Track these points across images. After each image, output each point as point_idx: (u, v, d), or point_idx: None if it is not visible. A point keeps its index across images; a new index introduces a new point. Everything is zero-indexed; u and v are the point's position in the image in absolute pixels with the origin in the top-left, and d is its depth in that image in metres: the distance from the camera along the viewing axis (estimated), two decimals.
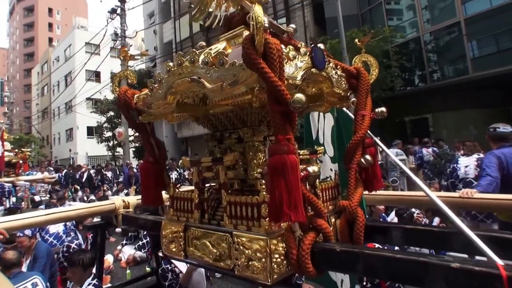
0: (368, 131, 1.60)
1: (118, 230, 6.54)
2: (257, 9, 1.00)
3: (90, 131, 29.18)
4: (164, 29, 20.61)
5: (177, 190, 1.63)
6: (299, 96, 1.01)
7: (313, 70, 1.31)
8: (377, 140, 1.67)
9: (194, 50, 1.26)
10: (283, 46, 1.29)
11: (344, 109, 1.98)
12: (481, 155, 3.79)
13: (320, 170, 2.36)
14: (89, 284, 2.42)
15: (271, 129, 1.52)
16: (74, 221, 4.23)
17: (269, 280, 1.15)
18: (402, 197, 1.92)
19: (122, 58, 1.65)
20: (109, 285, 3.42)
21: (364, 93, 1.64)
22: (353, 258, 1.08)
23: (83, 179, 10.70)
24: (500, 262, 0.94)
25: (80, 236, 3.84)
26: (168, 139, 19.54)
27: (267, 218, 1.21)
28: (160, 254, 3.36)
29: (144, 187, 1.72)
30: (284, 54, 1.11)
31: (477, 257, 1.22)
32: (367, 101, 1.65)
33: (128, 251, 4.83)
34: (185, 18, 17.77)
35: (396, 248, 2.14)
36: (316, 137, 2.39)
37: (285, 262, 1.20)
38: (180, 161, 1.57)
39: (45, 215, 2.09)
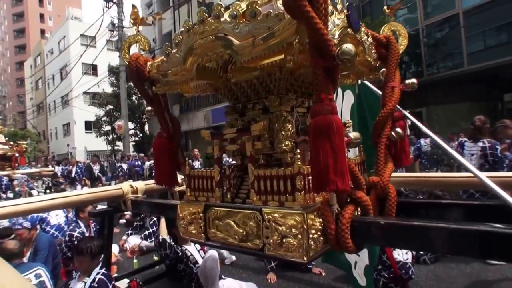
0: (397, 105, 1.48)
1: (122, 221, 6.40)
2: None
3: (88, 126, 28.70)
4: (163, 20, 20.17)
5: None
6: (348, 46, 0.88)
7: (349, 30, 1.17)
8: (407, 113, 1.54)
9: (219, 3, 1.11)
10: None
11: (367, 83, 1.86)
12: (486, 144, 3.67)
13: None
14: (97, 274, 2.27)
15: (298, 98, 1.39)
16: (75, 211, 4.07)
17: (305, 258, 1.03)
18: (447, 179, 1.77)
19: (132, 21, 1.49)
20: (116, 275, 3.28)
21: (394, 64, 1.51)
22: (402, 231, 0.95)
23: (72, 174, 10.40)
24: None
25: (82, 225, 3.67)
26: None
27: (303, 191, 1.08)
28: (169, 241, 3.19)
29: (157, 165, 1.58)
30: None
31: None
32: (396, 73, 1.53)
33: (133, 241, 4.68)
34: (184, 8, 17.38)
35: None
36: None
37: (321, 238, 1.07)
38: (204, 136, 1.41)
39: (50, 199, 1.93)
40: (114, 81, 18.66)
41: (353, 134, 1.09)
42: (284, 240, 1.07)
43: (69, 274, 3.31)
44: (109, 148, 20.80)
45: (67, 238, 3.53)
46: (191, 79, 1.32)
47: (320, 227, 1.07)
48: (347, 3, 1.24)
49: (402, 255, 2.82)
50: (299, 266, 3.23)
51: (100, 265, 2.35)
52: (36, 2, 45.93)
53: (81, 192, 2.11)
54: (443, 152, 7.67)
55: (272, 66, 1.12)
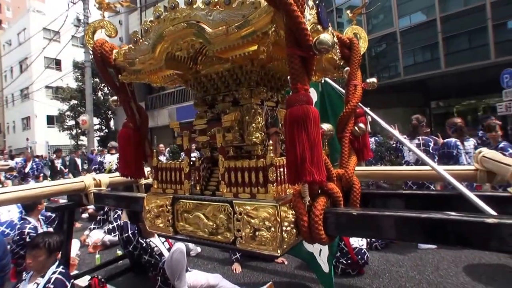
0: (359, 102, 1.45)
1: (85, 215, 5.84)
2: None
3: (51, 120, 26.07)
4: (130, 19, 18.94)
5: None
6: (326, 36, 0.79)
7: (319, 27, 1.10)
8: (368, 110, 1.52)
9: None
10: None
11: (330, 81, 1.82)
12: (420, 141, 3.83)
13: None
14: (54, 272, 1.93)
15: (269, 92, 1.29)
16: (23, 209, 3.57)
17: (279, 251, 0.94)
18: (407, 172, 1.80)
19: (97, 5, 1.27)
20: (76, 272, 2.91)
21: (356, 64, 1.48)
22: (373, 221, 0.90)
23: (26, 169, 9.30)
24: (494, 213, 0.86)
25: (32, 219, 3.19)
26: None
27: (275, 183, 0.99)
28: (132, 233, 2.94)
29: (123, 157, 1.39)
30: None
31: None
32: (358, 72, 1.50)
33: (96, 236, 4.25)
34: (152, 10, 16.49)
35: None
36: None
37: (294, 230, 0.99)
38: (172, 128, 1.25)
39: (2, 193, 1.62)
40: (79, 76, 17.14)
41: (326, 126, 1.02)
42: (256, 233, 0.97)
43: (19, 274, 2.83)
44: (73, 142, 19.09)
45: (17, 237, 3.05)
46: (160, 69, 1.16)
47: (292, 219, 0.98)
48: (317, 1, 1.16)
49: (358, 241, 2.87)
50: (263, 256, 3.15)
51: (57, 263, 2.03)
52: None
53: (39, 186, 1.81)
54: (386, 149, 8.14)
55: (244, 58, 1.01)
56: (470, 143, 3.55)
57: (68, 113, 18.09)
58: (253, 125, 1.17)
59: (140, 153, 1.38)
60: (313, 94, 2.04)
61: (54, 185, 1.82)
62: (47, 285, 1.83)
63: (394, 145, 5.13)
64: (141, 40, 1.17)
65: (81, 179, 1.98)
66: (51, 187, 1.78)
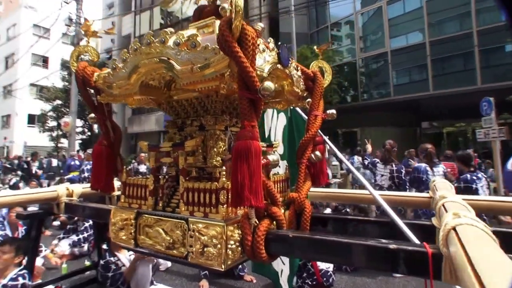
0: (319, 130, 1.62)
1: (56, 223, 5.81)
2: None
3: (32, 119, 25.65)
4: (123, 22, 19.17)
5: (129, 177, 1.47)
6: (269, 83, 0.97)
7: (278, 66, 1.28)
8: (326, 138, 1.70)
9: (165, 30, 1.14)
10: None
11: (298, 109, 2.00)
12: (394, 167, 3.97)
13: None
14: (16, 275, 2.01)
15: (233, 119, 1.46)
16: (3, 212, 3.62)
17: (223, 266, 1.08)
18: (342, 194, 1.99)
19: (83, 32, 1.43)
20: (40, 281, 2.93)
21: (318, 95, 1.66)
22: (305, 243, 1.06)
23: None
24: (416, 240, 1.02)
25: (8, 227, 3.24)
26: None
27: (225, 205, 1.14)
28: (104, 246, 3.03)
29: (94, 171, 1.52)
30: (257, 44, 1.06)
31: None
32: (320, 103, 1.68)
33: (65, 246, 4.28)
34: (146, 14, 16.77)
35: None
36: (268, 135, 2.38)
37: (239, 248, 1.13)
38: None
39: None
40: (66, 76, 17.11)
41: (272, 157, 1.18)
42: (205, 249, 1.11)
43: None
44: (52, 144, 18.82)
45: None
46: (135, 93, 1.31)
47: (238, 238, 1.13)
48: (279, 43, 1.35)
49: (324, 264, 3.01)
50: (232, 274, 3.25)
51: (21, 267, 2.10)
52: None
53: (12, 193, 1.90)
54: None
55: (208, 90, 1.18)
56: (440, 169, 3.77)
57: (50, 113, 17.89)
58: (215, 149, 1.33)
59: (111, 169, 1.52)
60: (282, 119, 2.22)
61: (27, 193, 1.93)
62: (8, 283, 1.90)
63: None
64: (119, 67, 1.33)
65: (54, 188, 2.09)
66: (24, 195, 1.88)
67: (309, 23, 16.40)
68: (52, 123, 18.31)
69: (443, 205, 1.12)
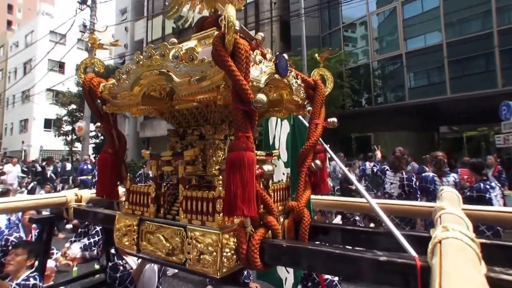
0: (320, 139, 1.65)
1: (69, 226, 6.02)
2: (230, 10, 1.00)
3: (48, 124, 26.68)
4: (136, 27, 19.73)
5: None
6: (261, 96, 1.01)
7: (276, 76, 1.33)
8: (327, 147, 1.72)
9: (165, 44, 1.21)
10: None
11: (300, 117, 2.03)
12: (404, 175, 3.87)
13: (274, 173, 2.40)
14: (28, 277, 2.13)
15: (232, 128, 1.51)
16: (19, 214, 3.80)
17: (218, 274, 1.12)
18: (344, 203, 2.00)
19: (90, 44, 1.53)
20: (52, 283, 3.07)
21: (319, 104, 1.68)
22: (298, 253, 1.09)
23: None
24: (415, 255, 1.03)
25: (22, 230, 3.41)
26: (129, 138, 18.55)
27: (221, 213, 1.18)
28: (112, 251, 3.14)
29: (100, 178, 1.60)
30: (251, 57, 1.11)
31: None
32: (321, 111, 1.70)
33: (76, 249, 4.44)
34: (158, 19, 17.20)
35: None
36: (272, 142, 2.42)
37: (235, 256, 1.17)
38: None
39: None
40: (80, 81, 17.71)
41: (267, 167, 1.22)
42: (201, 256, 1.16)
43: (3, 280, 3.05)
44: (67, 148, 19.46)
45: (3, 243, 3.27)
46: (138, 104, 1.39)
47: (234, 247, 1.17)
48: (277, 53, 1.40)
49: None
50: (237, 281, 3.28)
51: (33, 269, 2.22)
52: None
53: (22, 198, 2.02)
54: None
55: (207, 100, 1.23)
56: (450, 178, 3.64)
57: (65, 118, 18.52)
58: (214, 158, 1.38)
59: (115, 176, 1.59)
60: (286, 126, 2.26)
61: (37, 199, 2.03)
62: (21, 283, 2.01)
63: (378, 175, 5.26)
64: (123, 78, 1.41)
65: (63, 193, 2.19)
66: (34, 200, 1.99)
67: (321, 25, 16.36)
68: (67, 128, 18.96)
69: (439, 217, 1.13)
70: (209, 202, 1.20)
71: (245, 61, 1.04)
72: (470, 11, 12.05)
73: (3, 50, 34.33)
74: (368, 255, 0.95)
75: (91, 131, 14.67)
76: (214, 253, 1.12)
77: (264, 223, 1.19)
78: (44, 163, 11.29)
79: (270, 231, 1.21)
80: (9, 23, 41.42)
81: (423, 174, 3.82)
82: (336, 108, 12.17)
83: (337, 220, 4.42)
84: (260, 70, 1.26)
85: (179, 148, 1.51)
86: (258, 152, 1.49)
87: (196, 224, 1.22)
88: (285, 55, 1.46)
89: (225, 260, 1.13)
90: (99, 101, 1.54)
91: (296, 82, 1.54)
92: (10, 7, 43.29)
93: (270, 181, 1.52)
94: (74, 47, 16.09)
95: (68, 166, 11.73)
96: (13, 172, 11.45)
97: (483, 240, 1.19)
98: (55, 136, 19.83)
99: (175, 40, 1.48)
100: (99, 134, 18.72)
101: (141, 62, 1.30)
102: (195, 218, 1.24)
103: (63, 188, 10.71)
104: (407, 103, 13.12)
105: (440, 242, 0.78)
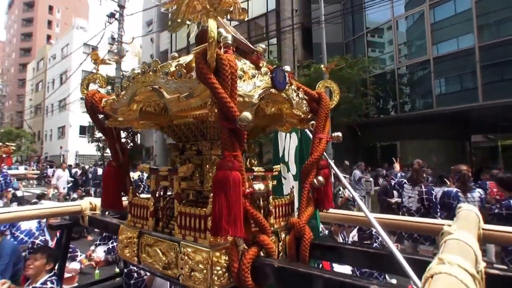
0: (324, 154, 1.59)
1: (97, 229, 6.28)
2: (211, 24, 0.99)
3: (83, 130, 28.39)
4: (161, 38, 20.52)
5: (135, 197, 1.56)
6: (246, 114, 0.99)
7: (273, 90, 1.29)
8: (331, 162, 1.66)
9: (157, 60, 1.23)
10: (244, 63, 1.28)
11: (307, 130, 1.98)
12: (423, 189, 3.60)
13: (284, 187, 2.35)
14: (46, 280, 2.24)
15: None
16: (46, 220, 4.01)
17: None
18: (348, 216, 1.92)
19: (92, 61, 1.59)
20: (76, 284, 3.21)
21: (323, 117, 1.62)
22: (288, 274, 1.04)
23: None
24: (419, 284, 0.94)
25: (47, 234, 3.61)
26: (157, 145, 19.18)
27: None
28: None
29: (104, 190, 1.65)
30: (239, 71, 1.09)
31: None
32: (325, 125, 1.64)
33: (100, 252, 4.63)
34: (183, 29, 17.73)
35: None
36: (282, 155, 2.38)
37: (226, 274, 1.15)
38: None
39: (4, 213, 1.94)
40: (110, 91, 18.68)
41: (258, 186, 1.19)
42: (192, 273, 1.15)
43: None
44: (99, 154, 20.50)
45: (30, 245, 3.47)
46: (136, 119, 1.42)
47: (225, 264, 1.14)
48: (274, 66, 1.37)
49: None
50: None
51: (52, 273, 2.32)
52: (46, 9, 46.44)
53: (39, 207, 2.13)
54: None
55: (201, 116, 1.23)
56: (475, 194, 3.33)
57: None
58: (211, 174, 1.37)
59: (119, 189, 1.63)
60: (294, 139, 2.21)
61: (54, 207, 2.13)
62: (38, 287, 2.11)
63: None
64: (122, 94, 1.44)
65: (78, 202, 2.28)
66: (50, 209, 2.09)
67: (344, 31, 16.10)
68: (98, 134, 19.99)
69: (444, 242, 1.04)
70: (201, 219, 1.19)
71: (230, 77, 1.02)
72: (503, 12, 11.32)
73: (43, 63, 37.21)
74: (359, 281, 0.89)
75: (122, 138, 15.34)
76: (205, 271, 1.11)
77: (257, 241, 1.16)
78: (78, 174, 11.91)
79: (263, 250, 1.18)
80: (49, 37, 44.95)
81: (446, 189, 3.54)
82: (360, 117, 11.84)
83: (354, 232, 4.24)
84: (254, 85, 1.23)
85: (178, 162, 1.52)
86: (256, 168, 1.46)
87: (189, 240, 1.22)
88: (286, 68, 1.43)
89: (215, 278, 1.11)
90: (101, 116, 1.60)
91: (297, 95, 1.50)
92: (49, 23, 47.08)
93: (271, 197, 1.49)
94: (104, 57, 16.99)
95: (100, 171, 12.26)
96: (63, 177, 12.03)
97: (496, 272, 1.08)
98: (88, 142, 20.97)
99: (176, 54, 1.50)
100: (129, 141, 19.56)
101: (136, 78, 1.33)
102: (188, 234, 1.23)
103: (95, 192, 11.24)
104: (435, 111, 12.48)
105: (432, 276, 0.71)
